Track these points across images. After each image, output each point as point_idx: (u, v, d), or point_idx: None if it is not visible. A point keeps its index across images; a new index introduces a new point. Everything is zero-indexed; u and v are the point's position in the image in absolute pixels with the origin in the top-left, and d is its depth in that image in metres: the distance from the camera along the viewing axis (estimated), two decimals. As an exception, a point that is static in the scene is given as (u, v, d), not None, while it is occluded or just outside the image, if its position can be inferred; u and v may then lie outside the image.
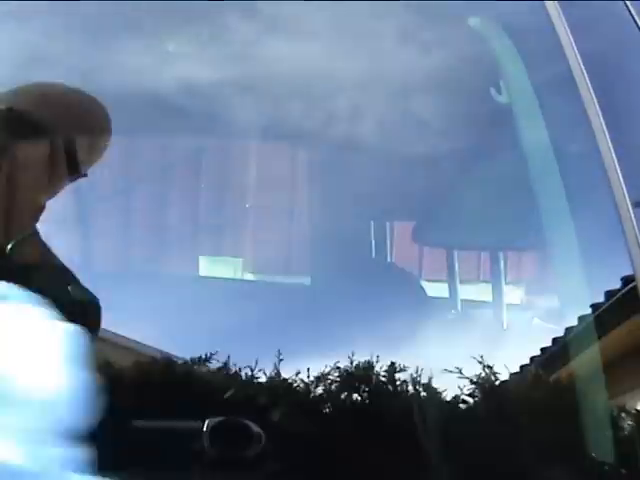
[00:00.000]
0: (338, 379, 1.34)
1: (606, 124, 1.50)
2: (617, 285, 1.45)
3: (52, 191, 1.41)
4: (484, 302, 2.19)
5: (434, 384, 1.35)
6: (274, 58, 1.72)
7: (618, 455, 1.38)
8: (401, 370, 1.35)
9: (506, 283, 2.11)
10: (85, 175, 1.46)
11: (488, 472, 1.35)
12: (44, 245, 1.42)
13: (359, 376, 1.34)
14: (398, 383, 1.35)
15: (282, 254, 2.06)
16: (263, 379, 1.32)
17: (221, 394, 1.33)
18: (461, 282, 2.24)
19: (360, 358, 1.35)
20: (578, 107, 1.53)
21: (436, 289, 2.17)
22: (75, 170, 1.40)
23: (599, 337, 1.44)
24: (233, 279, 2.16)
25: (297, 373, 1.33)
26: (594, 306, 1.46)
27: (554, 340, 1.47)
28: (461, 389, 1.36)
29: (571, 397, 1.43)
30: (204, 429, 1.25)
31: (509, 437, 1.39)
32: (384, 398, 1.36)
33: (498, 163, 1.77)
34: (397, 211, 2.34)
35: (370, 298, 1.57)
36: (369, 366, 1.35)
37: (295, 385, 1.33)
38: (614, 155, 1.48)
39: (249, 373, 1.32)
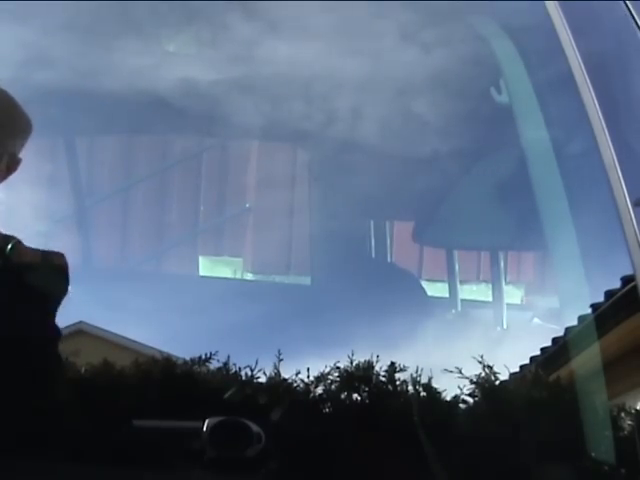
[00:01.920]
0: (338, 379, 1.34)
1: (606, 124, 1.50)
2: (617, 285, 1.45)
3: None
4: (484, 302, 2.19)
5: (434, 384, 1.35)
6: (275, 58, 1.72)
7: (618, 455, 1.38)
8: (401, 370, 1.35)
9: (506, 283, 2.12)
10: None
11: (488, 472, 1.35)
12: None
13: (359, 376, 1.34)
14: (398, 383, 1.35)
15: (282, 254, 2.06)
16: (263, 379, 1.32)
17: (221, 394, 1.33)
18: (461, 282, 2.24)
19: (360, 358, 1.35)
20: (578, 107, 1.53)
21: (436, 289, 2.17)
22: None
23: (599, 337, 1.44)
24: (233, 279, 2.16)
25: (297, 373, 1.33)
26: (594, 306, 1.46)
27: (554, 340, 1.47)
28: (461, 389, 1.36)
29: (571, 397, 1.43)
30: (204, 429, 1.25)
31: (509, 437, 1.39)
32: (384, 398, 1.36)
33: (498, 163, 1.77)
34: (397, 211, 2.34)
35: (370, 298, 1.57)
36: (369, 366, 1.35)
37: (295, 385, 1.33)
38: (614, 155, 1.47)
39: (249, 373, 1.32)
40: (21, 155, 1.45)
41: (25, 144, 1.47)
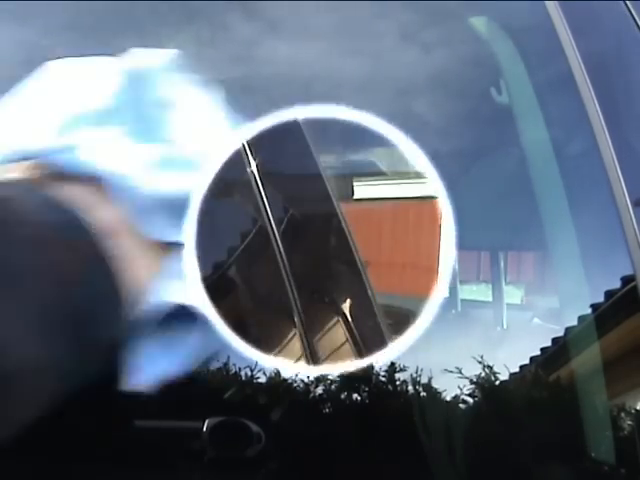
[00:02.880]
0: (338, 379, 1.34)
1: (606, 124, 1.50)
2: (617, 285, 1.45)
3: None
4: (484, 302, 2.19)
5: (434, 384, 1.35)
6: (275, 58, 1.72)
7: (618, 455, 1.38)
8: (401, 370, 1.35)
9: (506, 283, 2.11)
10: None
11: (488, 471, 1.35)
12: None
13: (359, 376, 1.34)
14: (398, 383, 1.35)
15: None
16: (263, 379, 1.32)
17: (221, 394, 1.32)
18: (461, 282, 2.24)
19: (360, 358, 1.35)
20: (578, 107, 1.53)
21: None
22: None
23: (599, 337, 1.44)
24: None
25: (297, 373, 1.32)
26: (594, 306, 1.46)
27: (554, 340, 1.47)
28: (461, 389, 1.36)
29: (571, 397, 1.43)
30: (204, 429, 1.25)
31: (509, 437, 1.39)
32: (384, 398, 1.36)
33: (498, 163, 1.76)
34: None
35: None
36: (369, 366, 1.35)
37: (295, 385, 1.33)
38: (614, 155, 1.47)
39: (249, 373, 1.31)
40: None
41: None
